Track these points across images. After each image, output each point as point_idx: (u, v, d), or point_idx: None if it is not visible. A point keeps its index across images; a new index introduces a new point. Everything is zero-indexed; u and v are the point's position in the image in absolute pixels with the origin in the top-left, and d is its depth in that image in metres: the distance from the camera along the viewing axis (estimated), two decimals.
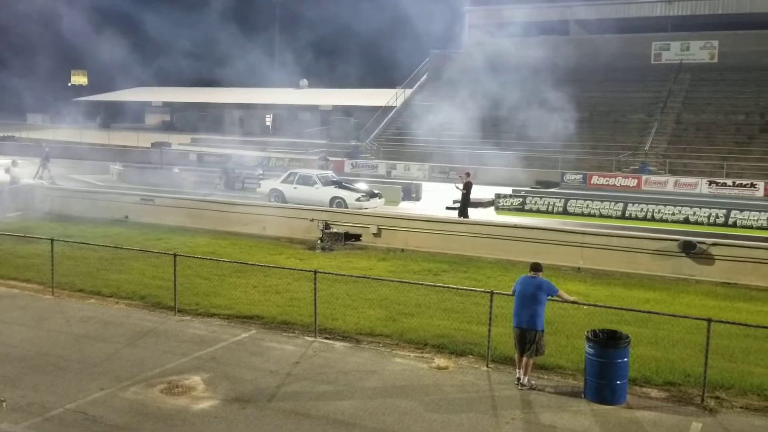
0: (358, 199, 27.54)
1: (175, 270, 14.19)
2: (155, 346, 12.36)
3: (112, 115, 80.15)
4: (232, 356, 11.88)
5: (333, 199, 27.66)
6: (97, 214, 24.91)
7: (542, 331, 10.61)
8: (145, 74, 61.38)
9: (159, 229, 23.11)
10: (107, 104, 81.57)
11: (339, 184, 28.93)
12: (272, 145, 55.14)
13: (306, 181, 28.82)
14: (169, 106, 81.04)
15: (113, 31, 46.74)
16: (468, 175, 26.42)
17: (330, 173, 31.49)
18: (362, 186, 29.87)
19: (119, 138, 60.57)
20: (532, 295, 10.53)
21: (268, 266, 16.66)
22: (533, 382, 10.69)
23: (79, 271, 17.09)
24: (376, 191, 29.01)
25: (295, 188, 28.61)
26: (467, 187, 25.25)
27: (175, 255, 14.46)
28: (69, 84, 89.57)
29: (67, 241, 17.92)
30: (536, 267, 10.78)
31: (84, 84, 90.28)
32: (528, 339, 10.51)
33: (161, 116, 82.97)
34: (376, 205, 27.75)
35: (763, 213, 25.24)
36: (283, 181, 29.37)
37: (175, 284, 14.23)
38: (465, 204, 25.17)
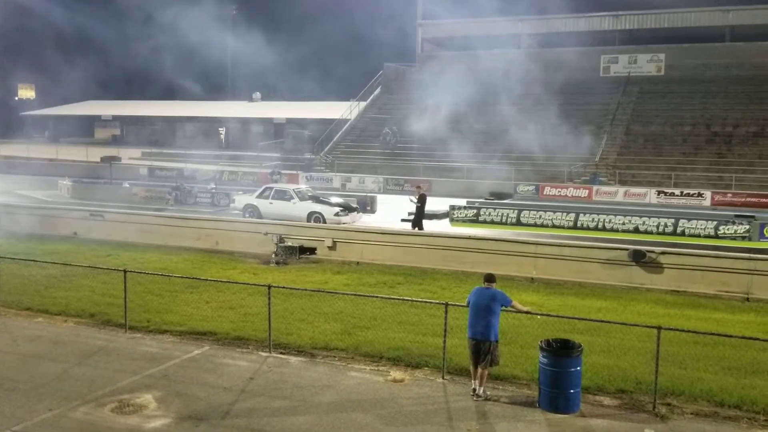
0: (336, 214, 26.68)
1: (125, 286, 13.95)
2: (105, 364, 12.10)
3: (61, 130, 78.59)
4: (184, 373, 11.69)
5: (311, 214, 26.89)
6: (45, 231, 24.41)
7: (496, 341, 10.69)
8: (94, 87, 60.42)
9: (109, 245, 22.70)
10: (56, 118, 80.00)
11: (316, 199, 28.12)
12: (225, 158, 54.71)
13: (282, 196, 28.02)
14: (120, 120, 79.79)
15: (61, 44, 45.91)
16: (419, 188, 26.57)
17: (305, 187, 30.94)
18: (339, 200, 29.17)
19: (68, 152, 59.41)
20: (486, 306, 10.60)
21: (221, 281, 16.49)
22: (488, 393, 10.74)
23: (27, 289, 16.67)
24: (354, 205, 28.37)
25: (271, 203, 27.85)
26: (421, 200, 25.34)
27: (125, 271, 14.22)
28: (16, 98, 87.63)
29: (14, 259, 17.44)
30: (490, 278, 10.88)
31: (32, 98, 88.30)
32: (482, 350, 10.57)
33: (111, 130, 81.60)
34: (354, 220, 27.10)
35: (710, 222, 25.78)
36: (258, 196, 28.55)
37: (125, 301, 13.97)
38: (419, 216, 25.25)
